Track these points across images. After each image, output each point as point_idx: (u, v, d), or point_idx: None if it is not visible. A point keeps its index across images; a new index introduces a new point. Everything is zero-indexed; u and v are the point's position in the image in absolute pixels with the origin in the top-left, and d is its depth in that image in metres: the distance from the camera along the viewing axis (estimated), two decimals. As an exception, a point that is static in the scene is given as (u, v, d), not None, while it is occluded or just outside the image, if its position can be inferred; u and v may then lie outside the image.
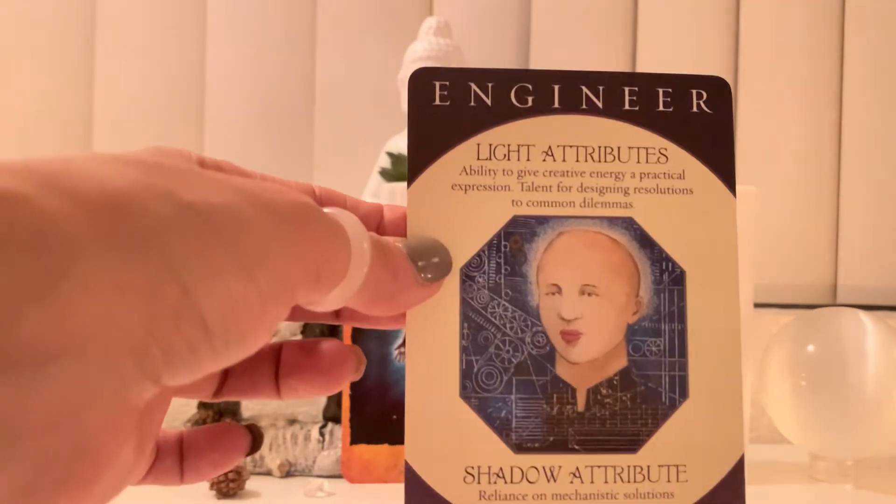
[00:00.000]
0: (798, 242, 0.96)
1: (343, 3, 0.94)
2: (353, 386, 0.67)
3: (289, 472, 0.69)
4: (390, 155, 0.85)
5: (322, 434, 0.70)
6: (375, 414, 0.67)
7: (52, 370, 0.15)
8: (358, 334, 0.67)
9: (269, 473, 0.69)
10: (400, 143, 0.85)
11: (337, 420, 0.71)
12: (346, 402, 0.67)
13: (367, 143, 0.92)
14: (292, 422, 0.72)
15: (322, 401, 0.78)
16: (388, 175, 0.84)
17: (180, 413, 0.72)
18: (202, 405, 0.70)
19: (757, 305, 0.74)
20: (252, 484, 0.65)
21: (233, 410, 0.71)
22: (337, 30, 0.94)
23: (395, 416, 0.66)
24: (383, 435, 0.66)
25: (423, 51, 0.84)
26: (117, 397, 0.17)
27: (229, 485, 0.62)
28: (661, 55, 0.96)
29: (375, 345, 0.67)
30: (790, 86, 0.96)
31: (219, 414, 0.70)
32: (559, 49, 0.95)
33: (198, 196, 0.19)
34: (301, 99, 0.94)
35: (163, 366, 0.17)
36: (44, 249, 0.15)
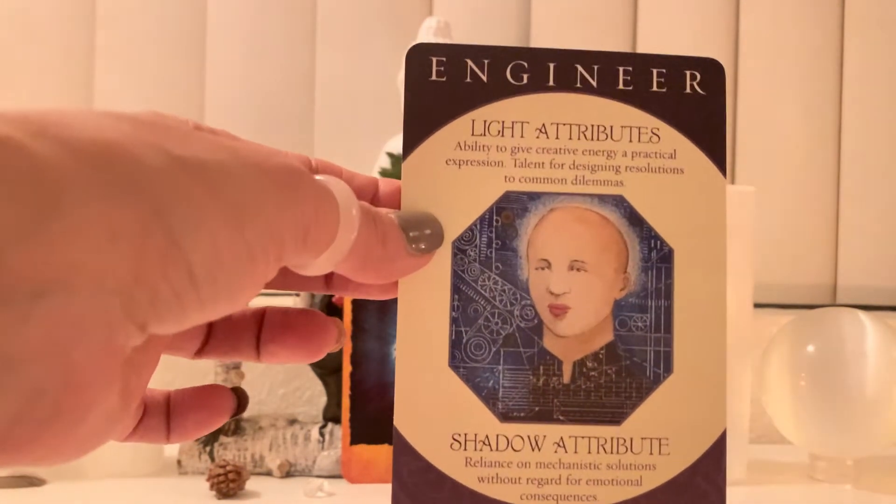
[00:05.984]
0: (797, 242, 0.96)
1: (343, 3, 0.94)
2: (353, 386, 0.67)
3: (289, 472, 0.69)
4: (390, 155, 0.85)
5: (322, 434, 0.70)
6: (375, 414, 0.67)
7: (41, 304, 0.16)
8: (357, 334, 0.67)
9: (269, 473, 0.69)
10: (400, 144, 0.85)
11: (337, 420, 0.71)
12: (345, 402, 0.67)
13: (367, 144, 0.91)
14: (292, 422, 0.72)
15: (322, 401, 0.78)
16: (388, 175, 0.84)
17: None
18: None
19: (756, 305, 0.74)
20: (252, 484, 0.65)
21: (233, 410, 0.71)
22: (337, 30, 0.94)
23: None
24: (383, 435, 0.66)
25: (422, 51, 0.83)
26: (104, 337, 0.17)
27: (229, 485, 0.61)
28: (660, 55, 0.96)
29: (375, 345, 0.67)
30: (790, 85, 0.96)
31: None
32: (559, 49, 0.95)
33: (189, 152, 0.19)
34: (301, 99, 0.94)
35: (149, 311, 0.18)
36: (35, 189, 0.16)
